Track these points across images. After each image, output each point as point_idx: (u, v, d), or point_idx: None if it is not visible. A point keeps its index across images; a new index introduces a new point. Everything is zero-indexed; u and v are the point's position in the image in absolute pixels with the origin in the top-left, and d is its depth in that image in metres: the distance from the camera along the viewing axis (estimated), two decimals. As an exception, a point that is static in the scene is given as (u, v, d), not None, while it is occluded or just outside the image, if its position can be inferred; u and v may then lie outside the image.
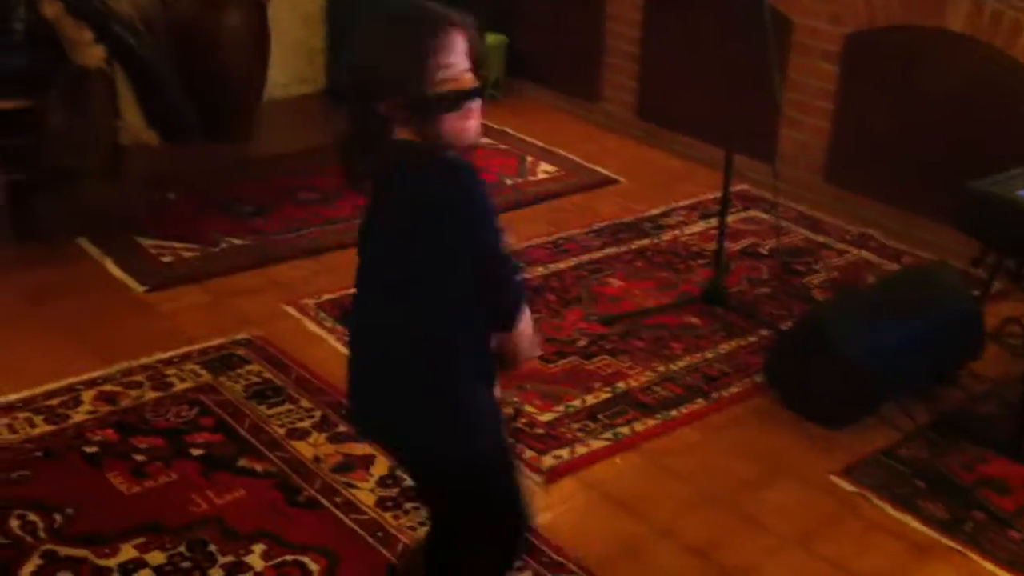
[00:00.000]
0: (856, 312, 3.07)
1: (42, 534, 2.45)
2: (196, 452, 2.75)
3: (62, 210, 3.82)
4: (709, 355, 3.31)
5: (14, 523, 2.48)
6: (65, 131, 3.81)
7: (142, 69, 3.86)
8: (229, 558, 2.40)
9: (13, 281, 3.55)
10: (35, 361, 3.10)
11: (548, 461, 2.78)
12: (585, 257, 3.91)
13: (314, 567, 2.39)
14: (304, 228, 4.01)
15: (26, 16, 3.69)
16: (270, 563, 2.40)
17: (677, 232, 4.16)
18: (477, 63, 1.68)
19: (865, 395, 2.99)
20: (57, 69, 3.71)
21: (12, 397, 2.94)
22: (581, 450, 2.84)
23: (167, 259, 3.75)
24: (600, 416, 2.98)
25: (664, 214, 4.31)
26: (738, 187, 4.16)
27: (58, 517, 2.51)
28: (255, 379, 3.08)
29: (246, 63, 4.70)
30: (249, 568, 2.38)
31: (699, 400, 3.08)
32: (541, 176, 4.66)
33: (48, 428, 2.83)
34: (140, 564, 2.38)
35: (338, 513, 2.57)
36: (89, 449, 2.75)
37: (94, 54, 3.74)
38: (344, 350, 3.34)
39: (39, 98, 3.73)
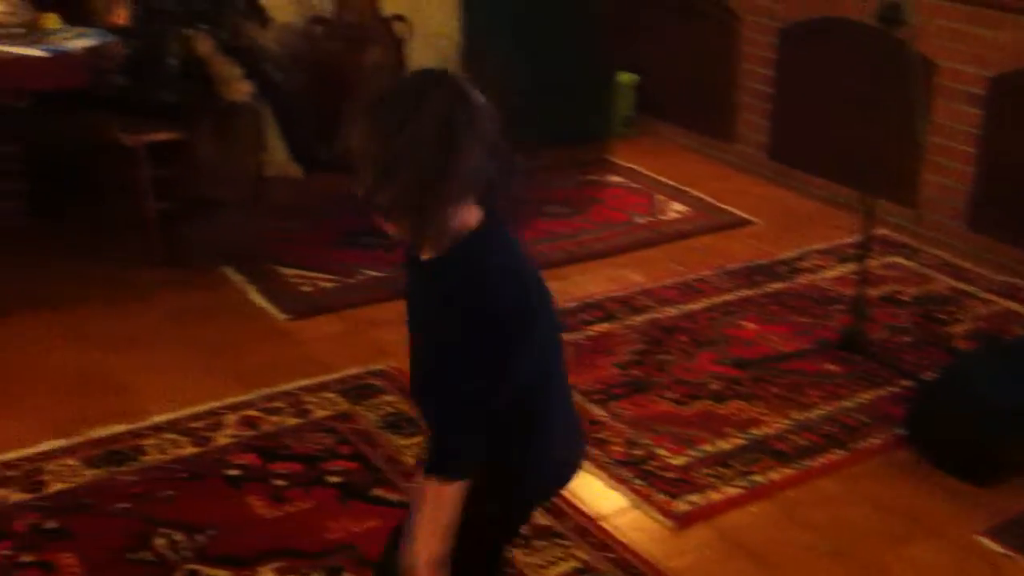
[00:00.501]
0: (1005, 365, 2.96)
1: (186, 553, 2.53)
2: (333, 479, 2.81)
3: (208, 238, 3.97)
4: (848, 404, 3.22)
5: (160, 541, 2.57)
6: (213, 163, 3.97)
7: (287, 104, 4.01)
8: (364, 587, 2.44)
9: (161, 304, 3.70)
10: (181, 383, 3.21)
11: (681, 506, 2.75)
12: (718, 299, 3.87)
13: (447, 601, 2.40)
14: (437, 262, 4.06)
15: (180, 52, 3.85)
16: (404, 594, 2.42)
17: (813, 276, 4.08)
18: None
19: (1014, 452, 2.87)
20: (207, 103, 3.87)
21: (159, 419, 3.05)
22: (714, 496, 2.79)
23: (306, 288, 3.85)
24: (733, 462, 2.94)
25: (799, 257, 4.24)
26: (877, 231, 4.06)
27: (201, 537, 2.59)
28: (390, 409, 3.13)
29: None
30: (383, 598, 2.40)
31: (837, 450, 3.00)
32: (672, 215, 4.64)
33: (193, 450, 2.93)
34: (278, 588, 2.44)
35: (470, 548, 2.58)
36: (231, 472, 2.84)
37: (242, 89, 3.89)
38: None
39: (189, 131, 3.89)
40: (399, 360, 3.36)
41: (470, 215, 1.61)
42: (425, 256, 1.66)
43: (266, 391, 3.18)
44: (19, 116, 3.92)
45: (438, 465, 1.61)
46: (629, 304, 3.81)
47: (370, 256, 4.09)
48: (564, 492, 2.77)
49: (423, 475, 1.62)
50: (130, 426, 3.00)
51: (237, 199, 4.03)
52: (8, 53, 3.39)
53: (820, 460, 2.96)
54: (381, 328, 3.57)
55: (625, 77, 5.46)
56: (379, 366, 3.33)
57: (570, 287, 3.92)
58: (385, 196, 1.55)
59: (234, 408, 3.11)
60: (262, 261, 3.98)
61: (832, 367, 3.41)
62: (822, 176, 4.79)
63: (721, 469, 2.90)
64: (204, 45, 3.86)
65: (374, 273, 3.97)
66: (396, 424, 3.06)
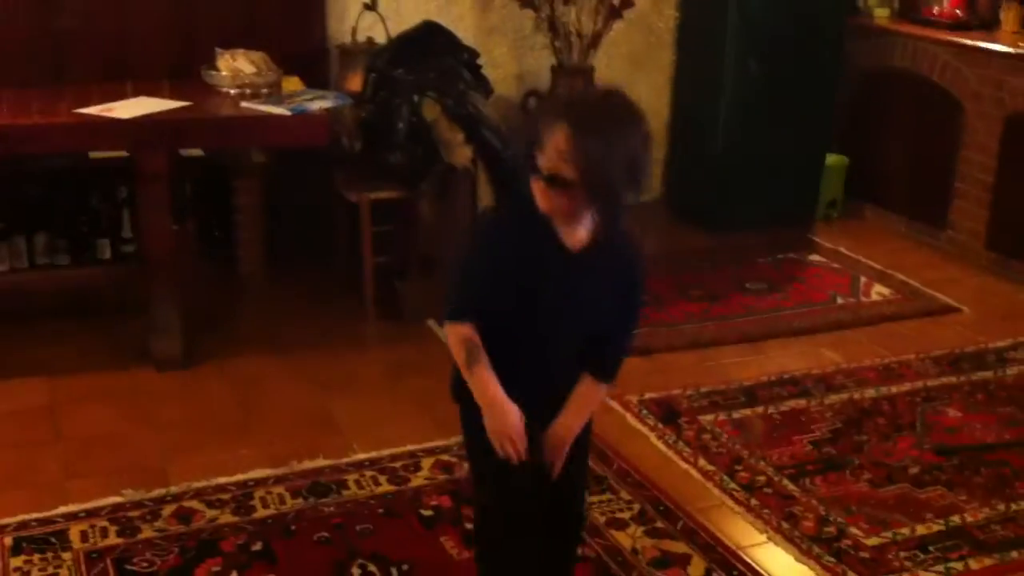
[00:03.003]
0: None
1: (380, 584, 2.66)
2: (521, 528, 2.88)
3: (419, 294, 4.18)
4: (1058, 500, 3.07)
5: (355, 571, 2.71)
6: (431, 222, 4.19)
7: (503, 171, 4.19)
8: (547, 633, 2.48)
9: (374, 356, 3.94)
10: (385, 426, 3.39)
11: (871, 587, 2.68)
12: (920, 383, 3.77)
13: (626, 655, 2.43)
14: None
15: (409, 118, 4.10)
16: (585, 644, 2.46)
17: (1025, 368, 3.91)
18: (577, 165, 1.92)
19: None
20: (431, 166, 4.10)
21: (362, 456, 3.22)
22: (908, 581, 2.72)
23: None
24: (931, 548, 2.84)
25: (1011, 347, 4.07)
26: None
27: (395, 571, 2.71)
28: (580, 467, 3.19)
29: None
30: (565, 646, 2.45)
31: (1044, 546, 2.86)
32: (875, 298, 4.54)
33: (390, 488, 3.07)
34: (471, 626, 2.51)
35: (652, 607, 2.60)
36: (425, 512, 2.96)
37: (463, 154, 4.11)
38: (664, 448, 3.37)
39: (413, 191, 4.13)
40: (592, 420, 3.43)
41: None
42: (582, 247, 2.08)
43: (462, 439, 3.29)
44: (261, 171, 4.29)
45: (613, 376, 2.24)
46: (826, 382, 3.75)
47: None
48: (754, 564, 2.77)
49: (599, 383, 2.22)
50: (335, 461, 3.19)
51: (449, 257, 4.22)
52: (256, 111, 3.71)
53: (1025, 555, 2.83)
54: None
55: (833, 159, 5.42)
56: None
57: (766, 362, 3.91)
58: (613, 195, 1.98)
59: (431, 452, 3.25)
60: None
61: (1043, 462, 3.26)
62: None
63: (918, 553, 2.82)
64: (432, 111, 4.10)
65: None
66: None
